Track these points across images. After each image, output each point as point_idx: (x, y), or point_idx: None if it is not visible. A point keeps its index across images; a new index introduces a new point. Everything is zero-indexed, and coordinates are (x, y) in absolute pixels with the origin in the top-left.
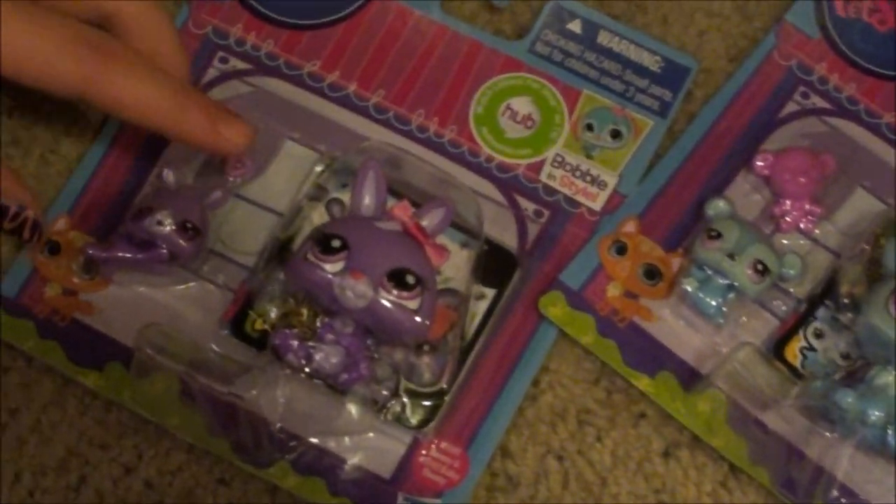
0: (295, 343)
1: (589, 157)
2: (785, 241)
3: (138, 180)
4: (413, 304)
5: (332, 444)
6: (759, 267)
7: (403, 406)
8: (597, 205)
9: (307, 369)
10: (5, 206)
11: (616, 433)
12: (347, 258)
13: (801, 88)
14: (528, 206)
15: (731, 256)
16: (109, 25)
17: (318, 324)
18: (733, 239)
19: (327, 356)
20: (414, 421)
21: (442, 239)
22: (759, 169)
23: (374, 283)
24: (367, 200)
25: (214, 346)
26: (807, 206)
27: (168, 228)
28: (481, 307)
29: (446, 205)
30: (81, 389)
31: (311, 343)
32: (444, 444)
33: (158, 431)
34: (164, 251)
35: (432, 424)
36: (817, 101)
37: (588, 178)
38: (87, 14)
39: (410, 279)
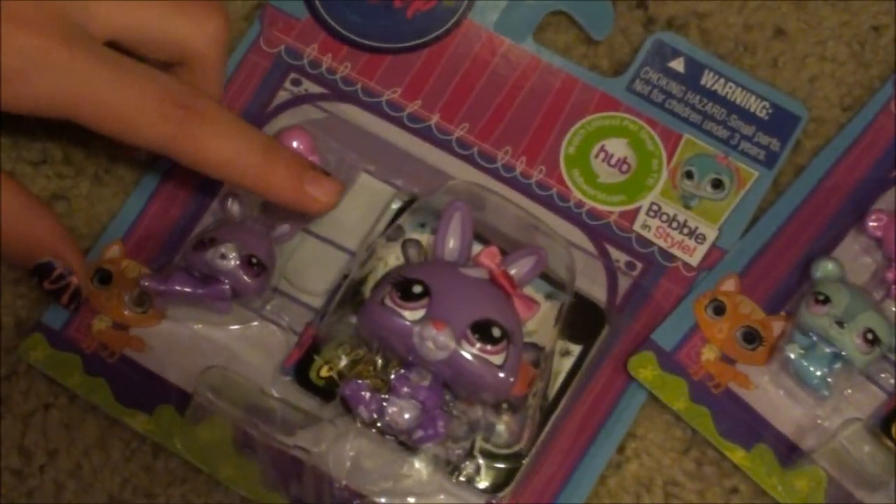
0: (367, 395)
1: (687, 207)
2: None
3: (199, 208)
4: (497, 360)
5: None
6: (870, 336)
7: (478, 468)
8: (694, 260)
9: (379, 424)
10: (51, 265)
11: None
12: (429, 306)
13: None
14: (620, 257)
15: (840, 324)
16: (180, 64)
17: (392, 375)
18: (843, 304)
19: (401, 411)
20: (488, 484)
21: (527, 289)
22: (872, 230)
23: (457, 335)
24: (452, 244)
25: (277, 394)
26: None
27: (232, 263)
28: (566, 365)
29: (538, 253)
30: (128, 432)
31: (384, 395)
32: None
33: (209, 482)
34: (227, 287)
35: (508, 489)
36: None
37: (686, 231)
38: (168, 57)
39: (496, 332)
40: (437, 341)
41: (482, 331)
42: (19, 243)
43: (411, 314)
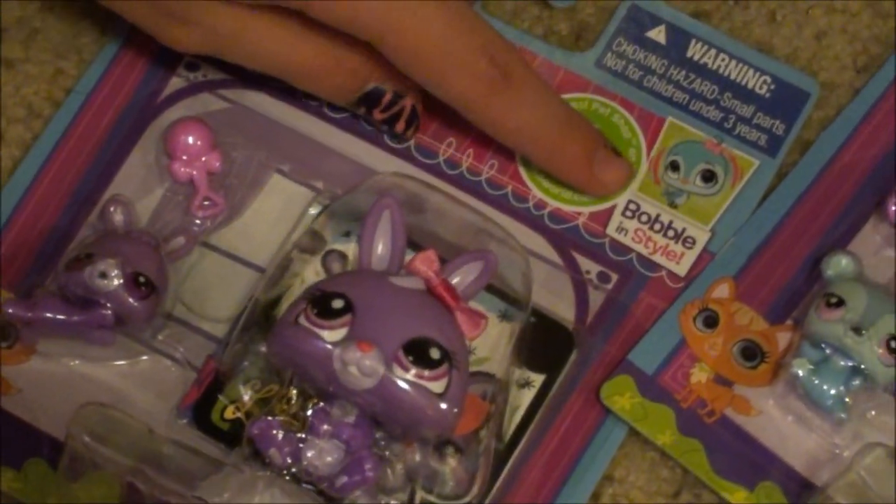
0: (279, 435)
1: (672, 205)
2: None
3: (75, 219)
4: (437, 387)
5: None
6: (894, 344)
7: None
8: (681, 268)
9: (294, 469)
10: (380, 90)
11: None
12: (352, 324)
13: None
14: (591, 267)
15: (858, 331)
16: None
17: (310, 411)
18: (860, 307)
19: (321, 453)
20: None
21: (476, 306)
22: (895, 216)
23: (387, 358)
24: (381, 249)
25: (172, 437)
26: None
27: (115, 282)
28: (526, 398)
29: (485, 258)
30: None
31: (300, 435)
32: None
33: None
34: (109, 312)
35: None
36: None
37: (670, 234)
38: None
39: (435, 353)
40: (363, 366)
41: (417, 352)
42: (336, 74)
43: (331, 334)
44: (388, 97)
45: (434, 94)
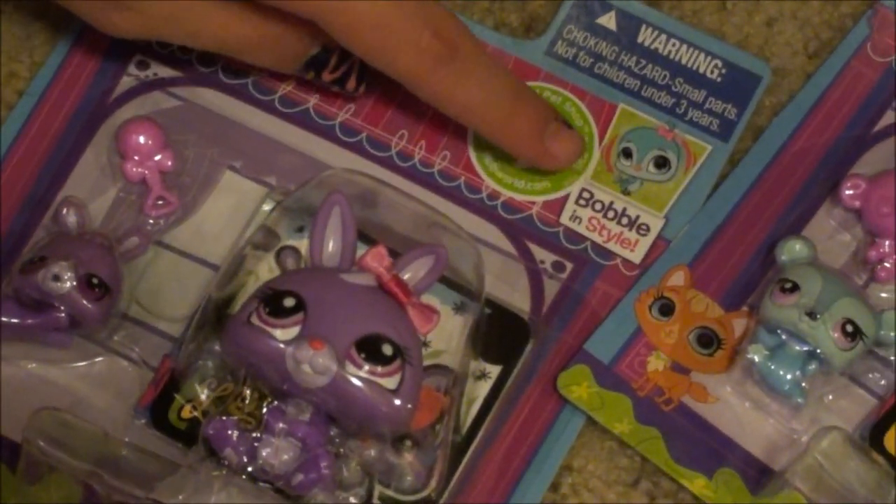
0: (234, 434)
1: (626, 192)
2: (883, 295)
3: (26, 225)
4: (390, 383)
5: None
6: (849, 328)
7: None
8: (636, 256)
9: (250, 468)
10: (326, 52)
11: None
12: (304, 322)
13: None
14: (546, 257)
15: (812, 315)
16: None
17: (265, 409)
18: (814, 291)
19: (277, 451)
20: None
21: (430, 299)
22: (848, 199)
23: (340, 355)
24: (332, 247)
25: (128, 439)
26: None
27: (68, 284)
28: (482, 389)
29: (436, 252)
30: None
31: (255, 434)
32: None
33: None
34: (63, 314)
35: None
36: None
37: (624, 221)
38: None
39: (387, 350)
40: (316, 364)
41: (370, 349)
42: (280, 45)
43: (283, 333)
44: (335, 58)
45: (380, 69)
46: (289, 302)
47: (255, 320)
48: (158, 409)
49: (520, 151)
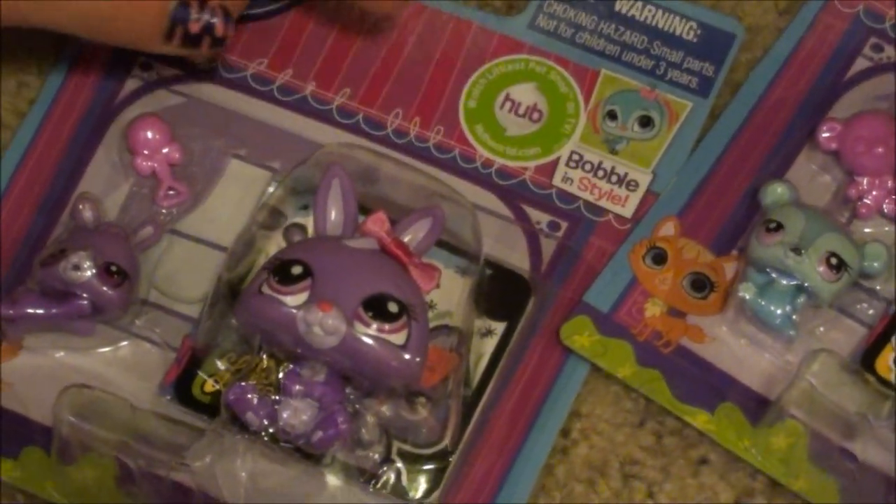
0: (254, 398)
1: (613, 152)
2: (866, 230)
3: (46, 224)
4: (398, 339)
5: None
6: (833, 261)
7: (398, 473)
8: (627, 210)
9: (272, 430)
10: (184, 4)
11: (672, 486)
12: (312, 287)
13: (872, 40)
14: (541, 217)
15: (797, 251)
16: None
17: (282, 373)
18: (798, 229)
19: (296, 412)
20: (413, 491)
21: (436, 263)
22: (826, 142)
23: (348, 316)
24: (334, 216)
25: (156, 410)
26: (890, 184)
27: (88, 273)
28: (489, 345)
29: (433, 213)
30: None
31: (274, 397)
32: None
33: None
34: (85, 302)
35: (436, 494)
36: (893, 55)
37: (614, 179)
38: None
39: (393, 307)
40: (325, 325)
41: (376, 307)
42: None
43: (293, 299)
44: (195, 2)
45: None
46: (296, 270)
47: (266, 290)
48: (182, 386)
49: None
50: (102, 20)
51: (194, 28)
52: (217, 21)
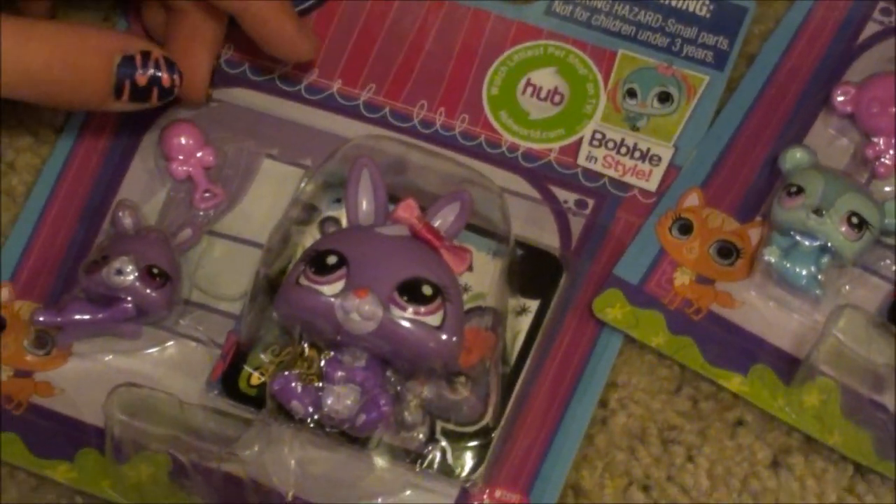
0: (298, 387)
1: (635, 128)
2: (887, 189)
3: (88, 233)
4: (434, 320)
5: None
6: (854, 220)
7: (443, 452)
8: (651, 184)
9: (317, 417)
10: (128, 55)
11: (710, 449)
12: (347, 275)
13: (881, 4)
14: (568, 197)
15: (819, 212)
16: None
17: (324, 361)
18: (818, 191)
19: (339, 398)
20: (458, 469)
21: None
22: (841, 106)
23: (384, 301)
24: (366, 206)
25: (204, 402)
26: None
27: (131, 277)
28: (524, 323)
29: (461, 197)
30: (54, 491)
31: (318, 385)
32: (498, 493)
33: None
34: (130, 305)
35: (481, 470)
36: None
37: (637, 155)
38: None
39: (427, 290)
40: (363, 311)
41: (411, 291)
42: (86, 57)
43: (330, 288)
44: (138, 57)
45: None
46: (331, 260)
47: (303, 281)
48: (229, 380)
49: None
50: (51, 83)
51: (142, 81)
52: (162, 73)
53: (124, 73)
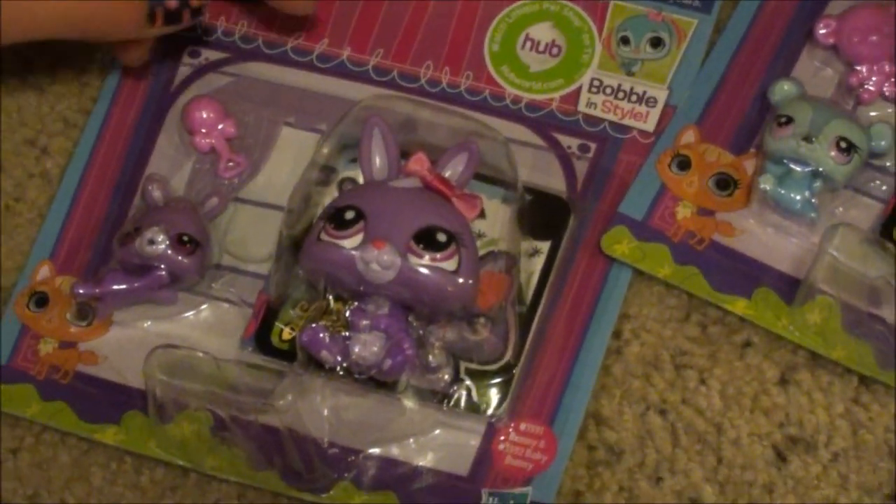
0: (326, 337)
1: (630, 73)
2: (872, 114)
3: (121, 208)
4: (450, 265)
5: (395, 451)
6: (843, 144)
7: (468, 391)
8: (649, 125)
9: (346, 364)
10: None
11: (721, 370)
12: (365, 228)
13: None
14: (571, 142)
15: (808, 139)
16: None
17: (348, 312)
18: (807, 120)
19: (365, 345)
20: (483, 405)
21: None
22: (824, 38)
23: (402, 250)
24: (379, 162)
25: (239, 359)
26: (887, 68)
27: (162, 246)
28: (537, 264)
29: (468, 148)
30: (104, 454)
31: (345, 334)
32: (523, 425)
33: (200, 481)
34: (163, 272)
35: (505, 405)
36: None
37: (634, 98)
38: None
39: (442, 237)
40: (382, 261)
41: (426, 239)
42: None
43: (350, 241)
44: None
45: None
46: (349, 215)
47: (324, 237)
48: (262, 337)
49: None
50: (86, 18)
51: (172, 5)
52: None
53: (156, 1)
